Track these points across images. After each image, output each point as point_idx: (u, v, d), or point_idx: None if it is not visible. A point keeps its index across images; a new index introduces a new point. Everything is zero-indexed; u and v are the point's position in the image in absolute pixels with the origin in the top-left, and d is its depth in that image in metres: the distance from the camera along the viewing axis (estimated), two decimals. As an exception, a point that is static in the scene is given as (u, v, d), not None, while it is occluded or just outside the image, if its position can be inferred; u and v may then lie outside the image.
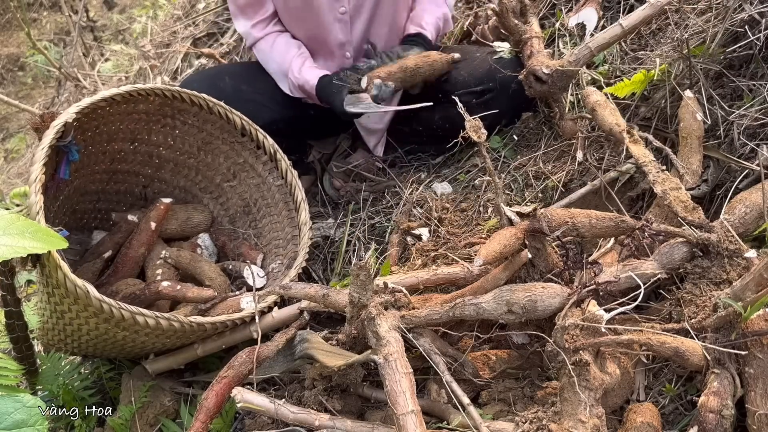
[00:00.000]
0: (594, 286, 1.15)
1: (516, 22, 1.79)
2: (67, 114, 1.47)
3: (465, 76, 1.89)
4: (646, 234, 1.23)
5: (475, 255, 1.24)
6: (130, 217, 1.88)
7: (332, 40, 1.92)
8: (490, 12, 2.04)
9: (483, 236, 1.65)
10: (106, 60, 4.07)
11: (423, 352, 1.23)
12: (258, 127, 1.85)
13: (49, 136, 1.42)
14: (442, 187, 1.90)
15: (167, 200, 1.89)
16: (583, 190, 1.60)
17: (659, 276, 1.22)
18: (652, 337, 1.09)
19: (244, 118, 1.83)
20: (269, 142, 1.85)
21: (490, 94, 1.85)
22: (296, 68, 1.89)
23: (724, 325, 1.08)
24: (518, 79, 1.74)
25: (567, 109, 1.74)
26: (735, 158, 1.43)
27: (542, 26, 2.00)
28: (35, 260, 1.36)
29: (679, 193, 1.27)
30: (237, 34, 3.03)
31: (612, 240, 1.36)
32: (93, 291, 1.32)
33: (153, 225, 1.83)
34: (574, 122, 1.66)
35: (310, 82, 1.85)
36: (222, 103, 1.81)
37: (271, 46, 1.93)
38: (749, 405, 1.05)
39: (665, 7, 1.60)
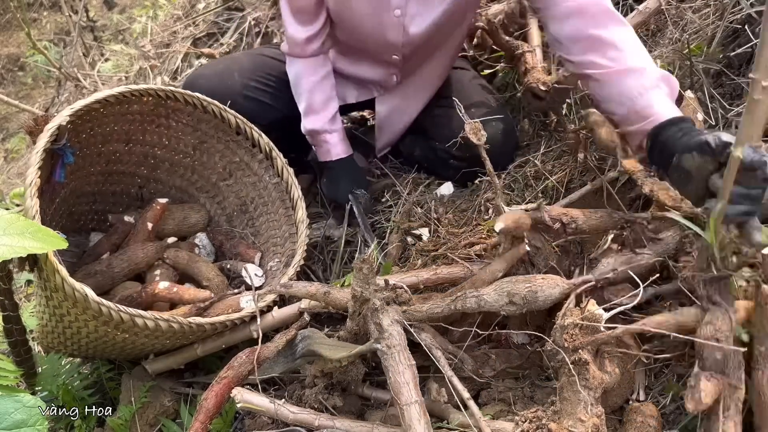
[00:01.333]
0: (593, 282, 1.16)
1: (507, 39, 1.79)
2: (61, 117, 1.46)
3: (451, 133, 1.78)
4: (638, 224, 1.24)
5: (495, 220, 1.26)
6: (126, 218, 1.87)
7: (382, 41, 1.76)
8: (480, 27, 2.01)
9: (483, 236, 1.65)
10: (106, 60, 4.07)
11: (424, 347, 1.23)
12: (252, 125, 1.84)
13: (43, 139, 1.42)
14: (444, 188, 1.89)
15: (163, 200, 1.88)
16: (583, 190, 1.60)
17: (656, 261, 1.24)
18: (647, 321, 1.08)
19: (239, 116, 1.82)
20: (264, 140, 1.84)
21: (471, 160, 1.78)
22: (329, 125, 1.83)
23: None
24: (504, 141, 1.75)
25: (564, 113, 1.75)
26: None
27: (542, 28, 2.00)
28: (33, 264, 1.36)
29: (667, 191, 1.28)
30: (237, 34, 3.04)
31: (610, 238, 1.37)
32: (91, 294, 1.32)
33: (149, 225, 1.83)
34: (576, 134, 1.67)
35: (334, 150, 1.84)
36: (217, 102, 1.79)
37: (316, 83, 1.81)
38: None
39: (664, 8, 1.61)
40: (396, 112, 1.98)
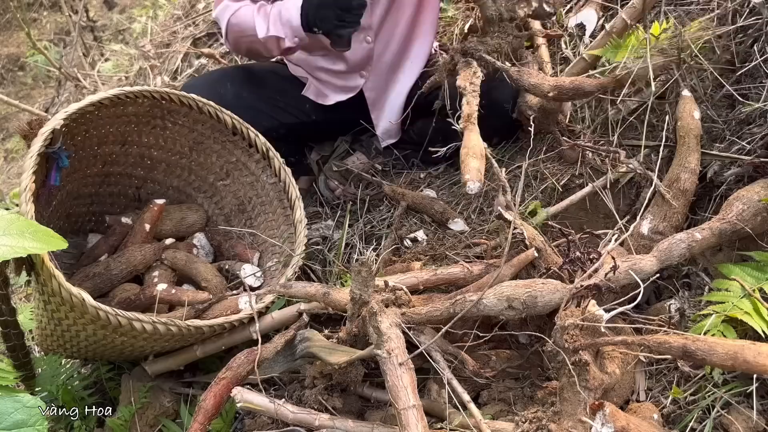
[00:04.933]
0: (595, 280, 1.16)
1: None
2: (55, 121, 1.45)
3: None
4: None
5: (467, 180, 1.24)
6: (124, 219, 1.87)
7: None
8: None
9: (483, 236, 1.65)
10: (106, 60, 4.06)
11: (423, 351, 1.23)
12: (249, 126, 1.83)
13: (37, 143, 1.41)
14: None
15: (161, 201, 1.88)
16: (583, 191, 1.60)
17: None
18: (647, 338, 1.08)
19: (235, 117, 1.82)
20: (261, 140, 1.84)
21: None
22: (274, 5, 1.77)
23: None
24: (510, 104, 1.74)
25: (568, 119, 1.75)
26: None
27: (543, 26, 2.00)
28: (29, 268, 1.35)
29: None
30: (237, 34, 3.03)
31: (614, 238, 1.37)
32: (89, 299, 1.31)
33: (147, 226, 1.83)
34: (572, 149, 1.67)
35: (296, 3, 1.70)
36: (212, 102, 1.79)
37: (247, 7, 1.80)
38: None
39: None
40: (384, 87, 1.98)
